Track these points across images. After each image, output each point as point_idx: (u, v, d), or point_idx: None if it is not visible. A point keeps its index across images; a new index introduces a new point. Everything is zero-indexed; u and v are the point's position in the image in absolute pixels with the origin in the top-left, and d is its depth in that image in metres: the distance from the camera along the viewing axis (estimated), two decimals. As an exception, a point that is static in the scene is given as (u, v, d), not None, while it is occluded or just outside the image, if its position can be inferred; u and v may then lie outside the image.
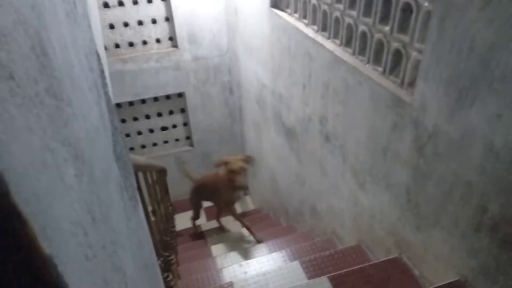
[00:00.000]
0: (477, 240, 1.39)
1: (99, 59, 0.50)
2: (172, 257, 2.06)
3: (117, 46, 4.30)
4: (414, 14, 1.48)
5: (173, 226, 3.45)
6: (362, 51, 1.90)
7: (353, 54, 1.95)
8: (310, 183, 2.93)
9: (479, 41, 1.17)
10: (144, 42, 4.36)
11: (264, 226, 3.78)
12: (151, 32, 4.33)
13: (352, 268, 1.94)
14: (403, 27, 1.58)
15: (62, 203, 0.24)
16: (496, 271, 1.34)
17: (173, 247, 2.81)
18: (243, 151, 5.13)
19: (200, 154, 5.21)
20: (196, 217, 3.76)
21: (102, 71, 0.51)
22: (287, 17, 2.61)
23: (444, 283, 1.56)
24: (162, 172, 3.20)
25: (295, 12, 2.55)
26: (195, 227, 3.96)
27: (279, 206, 3.94)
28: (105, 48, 4.20)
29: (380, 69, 1.76)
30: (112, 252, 0.36)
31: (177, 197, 5.15)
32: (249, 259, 2.69)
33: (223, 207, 3.37)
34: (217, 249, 3.34)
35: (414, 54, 1.53)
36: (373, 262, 2.04)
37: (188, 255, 3.25)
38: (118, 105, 4.72)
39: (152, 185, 2.47)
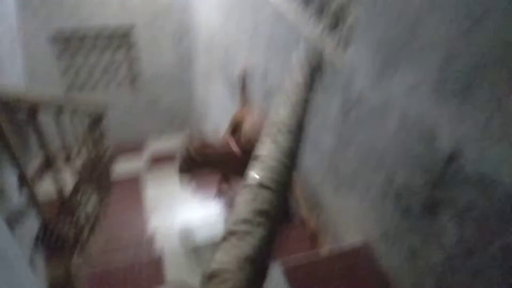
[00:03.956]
0: (383, 207, 1.44)
1: None
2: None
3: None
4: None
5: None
6: (304, 10, 1.81)
7: (296, 11, 1.86)
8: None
9: (408, 9, 1.13)
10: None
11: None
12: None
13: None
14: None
15: None
16: (395, 237, 1.42)
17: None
18: (190, 99, 4.98)
19: (145, 100, 5.00)
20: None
21: None
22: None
23: (349, 244, 1.64)
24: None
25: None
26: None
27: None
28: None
29: (320, 28, 1.69)
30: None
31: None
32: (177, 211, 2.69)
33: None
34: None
35: (350, 18, 1.48)
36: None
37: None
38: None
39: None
